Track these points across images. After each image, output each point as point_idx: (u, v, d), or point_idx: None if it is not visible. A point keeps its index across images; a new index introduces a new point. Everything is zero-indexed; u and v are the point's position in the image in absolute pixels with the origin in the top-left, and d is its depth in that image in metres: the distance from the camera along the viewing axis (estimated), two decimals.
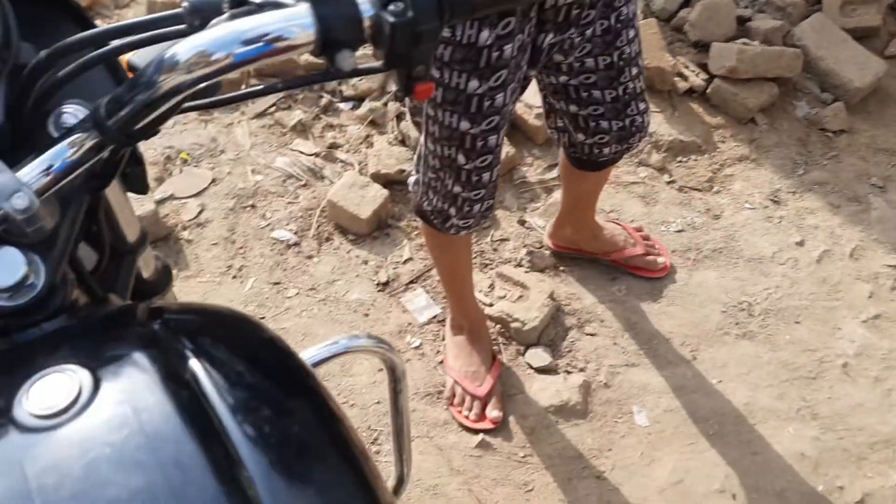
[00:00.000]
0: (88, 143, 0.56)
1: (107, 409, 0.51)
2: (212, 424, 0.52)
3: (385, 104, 2.37)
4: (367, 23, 0.53)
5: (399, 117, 2.34)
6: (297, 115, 2.35)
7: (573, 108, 1.44)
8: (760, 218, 2.12)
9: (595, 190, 1.83)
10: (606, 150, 1.53)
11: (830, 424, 1.70)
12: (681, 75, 2.35)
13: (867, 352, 1.82)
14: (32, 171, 0.55)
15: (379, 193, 2.10)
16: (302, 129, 2.35)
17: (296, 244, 2.10)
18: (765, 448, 1.67)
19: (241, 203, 2.19)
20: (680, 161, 2.26)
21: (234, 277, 2.04)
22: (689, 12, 2.42)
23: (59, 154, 0.56)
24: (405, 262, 2.05)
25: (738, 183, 2.21)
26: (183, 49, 0.52)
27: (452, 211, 1.42)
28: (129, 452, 0.49)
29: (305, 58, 2.35)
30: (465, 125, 1.26)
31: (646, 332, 1.88)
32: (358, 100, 2.43)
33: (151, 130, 0.58)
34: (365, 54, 0.70)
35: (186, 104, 0.58)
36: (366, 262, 2.05)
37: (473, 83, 1.20)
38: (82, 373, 0.53)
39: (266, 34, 0.52)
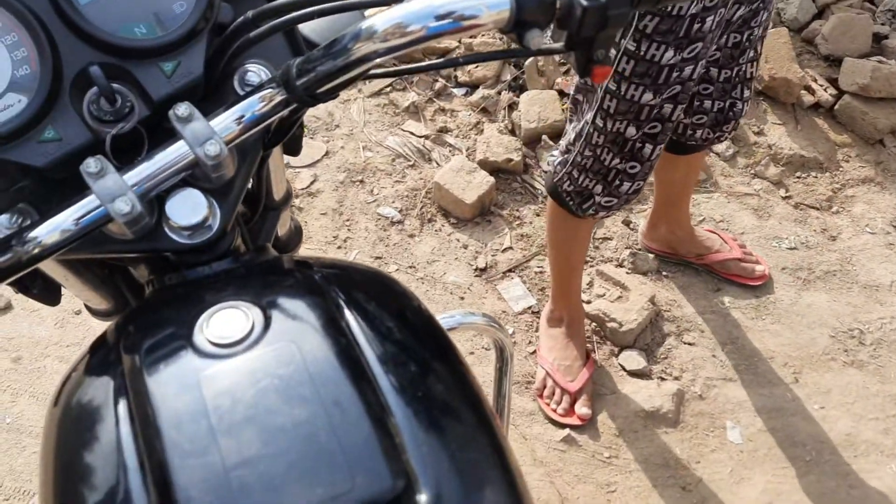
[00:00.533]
0: (276, 100, 0.60)
1: (276, 344, 0.55)
2: (364, 372, 0.55)
3: (498, 93, 2.38)
4: (558, 3, 0.54)
5: (511, 107, 2.35)
6: (411, 96, 2.39)
7: None
8: (881, 244, 2.02)
9: (685, 182, 1.80)
10: (699, 133, 1.54)
11: None
12: (808, 89, 2.26)
13: None
14: (224, 121, 0.59)
15: (485, 180, 2.12)
16: (414, 111, 2.40)
17: (399, 222, 2.14)
18: (863, 483, 1.60)
19: (351, 177, 2.25)
20: (799, 177, 2.18)
21: (339, 248, 2.11)
22: (822, 24, 2.32)
23: (249, 107, 0.60)
24: (504, 250, 2.07)
25: (859, 205, 2.11)
26: (382, 20, 0.54)
27: (599, 188, 1.41)
28: (294, 386, 0.53)
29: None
30: (647, 97, 1.26)
31: (747, 347, 1.83)
32: (471, 86, 2.45)
33: (333, 95, 0.61)
34: None
35: (371, 73, 0.61)
36: (466, 247, 2.08)
37: (669, 54, 1.20)
38: (254, 310, 0.57)
39: (459, 10, 0.54)
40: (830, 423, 1.69)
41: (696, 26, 1.18)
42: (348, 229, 2.15)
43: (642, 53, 1.21)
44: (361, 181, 2.26)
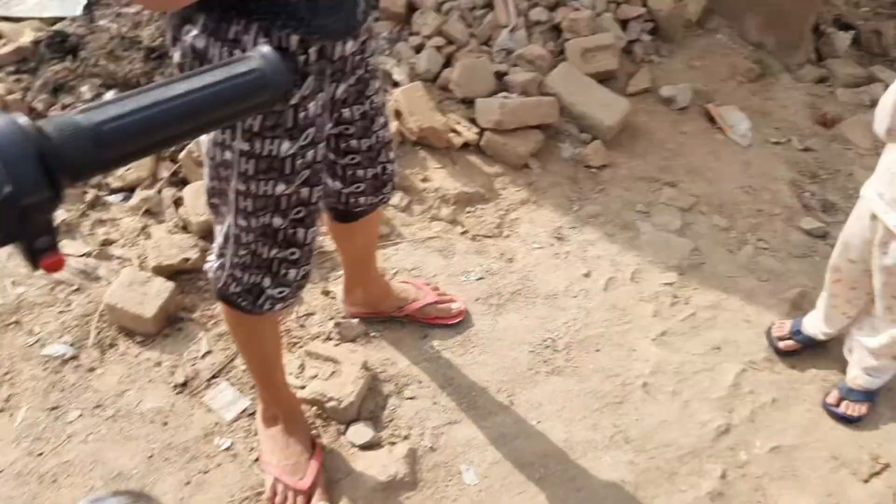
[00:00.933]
0: None
1: None
2: None
3: (159, 191, 2.22)
4: None
5: (177, 203, 2.19)
6: (58, 215, 2.12)
7: (331, 157, 1.48)
8: (549, 255, 2.24)
9: (367, 244, 1.84)
10: (363, 200, 1.59)
11: (641, 445, 1.81)
12: (455, 131, 2.44)
13: (661, 368, 1.97)
14: None
15: (164, 287, 1.94)
16: (67, 230, 2.13)
17: (73, 358, 1.87)
18: (587, 481, 1.73)
19: (1, 321, 1.92)
20: (469, 211, 2.34)
21: (1, 411, 1.77)
22: (451, 72, 2.54)
23: None
24: (204, 356, 1.90)
25: (524, 225, 2.32)
26: None
27: (267, 281, 1.35)
28: None
29: None
30: (280, 188, 1.23)
31: (464, 385, 1.89)
32: (128, 190, 2.25)
33: None
34: None
35: None
36: (158, 364, 1.87)
37: (285, 145, 1.19)
38: None
39: None
40: (548, 434, 1.80)
41: (300, 114, 1.18)
42: (10, 384, 1.81)
43: (258, 151, 1.18)
44: (17, 322, 1.94)
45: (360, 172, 1.52)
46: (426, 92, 2.42)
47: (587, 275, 2.19)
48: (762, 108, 2.79)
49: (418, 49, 2.68)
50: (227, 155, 1.21)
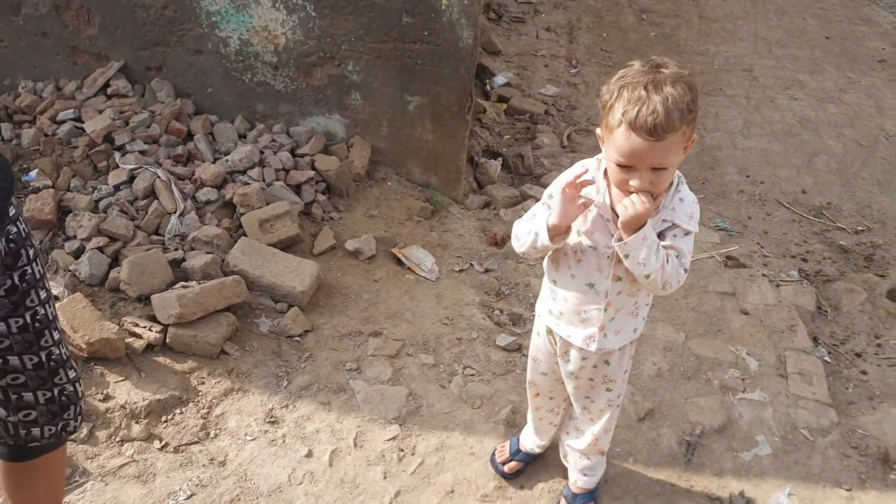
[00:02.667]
0: None
1: None
2: None
3: None
4: None
5: None
6: None
7: None
8: (265, 445, 2.08)
9: (52, 493, 1.52)
10: (37, 432, 1.36)
11: None
12: (134, 334, 2.23)
13: None
14: None
15: None
16: None
17: None
18: None
19: None
20: (166, 420, 2.11)
21: None
22: (119, 271, 2.35)
23: None
24: None
25: (232, 419, 2.15)
26: None
27: None
28: None
29: None
30: None
31: None
32: None
33: None
34: None
35: None
36: None
37: None
38: None
39: None
40: None
41: None
42: None
43: None
44: None
45: (27, 396, 1.30)
46: (90, 301, 2.19)
47: (309, 454, 2.07)
48: (442, 241, 2.99)
49: (77, 254, 2.45)
50: None
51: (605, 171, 1.54)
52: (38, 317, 1.28)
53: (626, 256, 1.48)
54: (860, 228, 3.46)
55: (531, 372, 1.93)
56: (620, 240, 1.48)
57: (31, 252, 1.27)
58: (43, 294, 1.29)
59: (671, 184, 1.52)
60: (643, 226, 1.45)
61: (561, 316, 1.71)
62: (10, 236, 1.23)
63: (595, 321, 1.65)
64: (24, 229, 1.27)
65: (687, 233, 1.53)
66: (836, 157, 4.04)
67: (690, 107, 1.39)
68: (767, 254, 3.20)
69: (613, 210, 1.53)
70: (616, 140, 1.40)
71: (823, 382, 2.53)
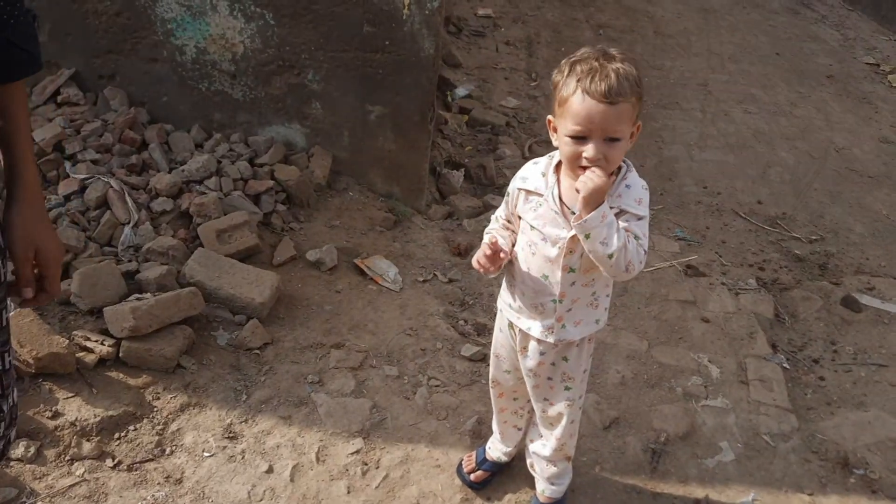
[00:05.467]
0: None
1: None
2: None
3: None
4: None
5: None
6: None
7: None
8: (224, 461, 2.01)
9: None
10: None
11: None
12: (86, 349, 2.14)
13: None
14: None
15: None
16: None
17: None
18: None
19: None
20: (119, 437, 2.02)
21: None
22: (70, 283, 2.26)
23: None
24: None
25: (188, 435, 2.07)
26: None
27: None
28: None
29: None
30: None
31: None
32: None
33: None
34: None
35: None
36: None
37: None
38: None
39: None
40: None
41: None
42: None
43: None
44: None
45: None
46: (37, 315, 2.10)
47: (269, 470, 2.00)
48: (405, 252, 2.96)
49: None
50: None
51: (556, 166, 1.60)
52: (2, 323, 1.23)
53: (587, 237, 1.49)
54: (814, 238, 3.54)
55: (494, 369, 1.92)
56: (579, 220, 1.48)
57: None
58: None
59: (618, 171, 1.54)
60: (601, 204, 1.47)
61: (521, 309, 1.72)
62: None
63: (551, 312, 1.67)
64: None
65: (639, 217, 1.55)
66: (789, 168, 4.14)
67: (638, 82, 1.47)
68: (726, 263, 3.25)
69: (563, 202, 1.57)
70: (571, 108, 1.44)
71: (783, 388, 2.56)
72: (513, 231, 1.72)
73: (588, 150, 1.45)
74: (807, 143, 4.41)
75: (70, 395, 2.05)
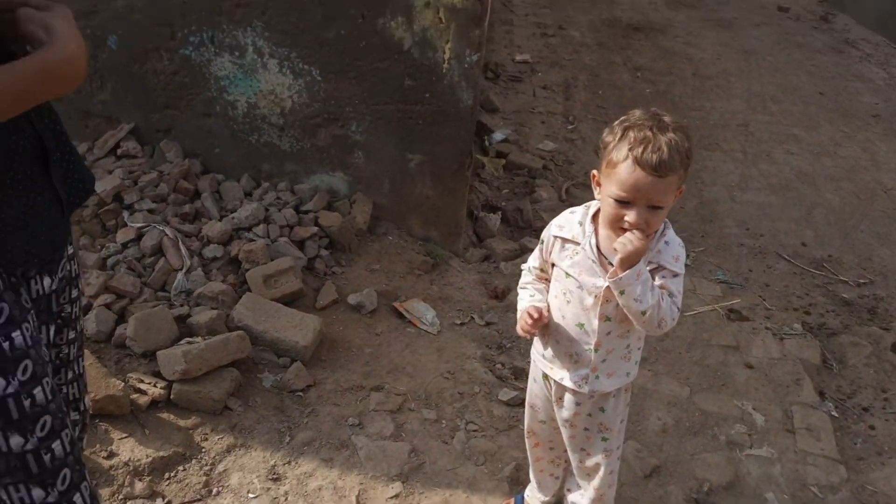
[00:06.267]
0: None
1: None
2: None
3: None
4: None
5: None
6: None
7: None
8: (267, 502, 2.07)
9: None
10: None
11: None
12: (139, 391, 2.23)
13: None
14: None
15: None
16: None
17: None
18: None
19: None
20: (169, 477, 2.10)
21: None
22: (126, 327, 2.37)
23: None
24: None
25: (234, 476, 2.13)
26: None
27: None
28: None
29: None
30: (16, 441, 1.10)
31: None
32: None
33: None
34: None
35: None
36: None
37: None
38: None
39: None
40: None
41: (5, 345, 1.07)
42: None
43: None
44: None
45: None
46: (96, 358, 2.20)
47: None
48: (442, 295, 3.02)
49: (85, 311, 2.47)
50: None
51: (593, 216, 1.63)
52: (60, 354, 1.32)
53: (622, 293, 1.53)
54: (862, 281, 3.48)
55: (529, 420, 1.94)
56: (614, 277, 1.52)
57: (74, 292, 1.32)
58: (72, 335, 1.34)
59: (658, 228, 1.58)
60: (637, 263, 1.51)
61: (554, 359, 1.74)
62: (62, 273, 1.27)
63: (586, 362, 1.69)
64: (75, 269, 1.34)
65: (675, 274, 1.59)
66: (834, 210, 4.09)
67: (688, 153, 1.50)
68: (770, 306, 3.21)
69: (600, 252, 1.60)
70: (619, 174, 1.47)
71: (831, 438, 2.51)
72: (546, 280, 1.76)
73: (631, 215, 1.49)
74: (853, 184, 4.35)
75: (124, 435, 2.14)
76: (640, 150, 1.44)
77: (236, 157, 3.15)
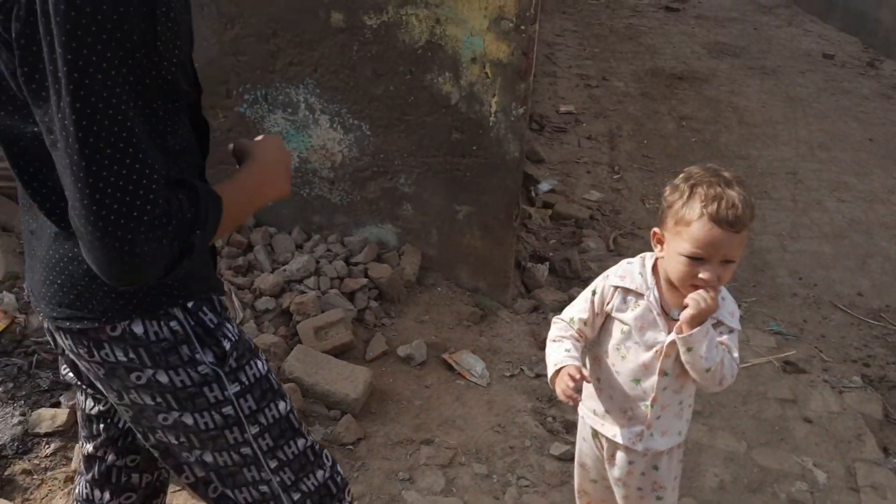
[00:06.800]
0: None
1: None
2: None
3: None
4: None
5: None
6: None
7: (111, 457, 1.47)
8: None
9: None
10: None
11: None
12: None
13: None
14: None
15: None
16: None
17: None
18: None
19: None
20: None
21: None
22: None
23: None
24: None
25: None
26: None
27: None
28: None
29: None
30: (282, 405, 1.30)
31: None
32: None
33: None
34: None
35: None
36: None
37: (259, 363, 1.28)
38: None
39: None
40: None
41: (270, 375, 1.31)
42: None
43: (248, 381, 1.25)
44: None
45: (135, 478, 1.49)
46: None
47: None
48: (491, 346, 3.01)
49: None
50: (228, 410, 1.22)
51: (653, 267, 1.61)
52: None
53: (689, 350, 1.52)
54: None
55: (579, 479, 1.90)
56: (680, 332, 1.52)
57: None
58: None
59: None
60: (706, 321, 1.51)
61: (606, 415, 1.71)
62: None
63: (642, 418, 1.66)
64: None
65: (731, 330, 1.59)
66: (891, 258, 3.98)
67: (754, 206, 1.52)
68: (827, 358, 3.12)
69: (662, 306, 1.59)
70: (693, 233, 1.47)
71: None
72: (584, 337, 1.70)
73: (707, 273, 1.48)
74: None
75: (176, 489, 2.16)
76: (714, 207, 1.45)
77: (288, 211, 3.23)
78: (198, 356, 1.18)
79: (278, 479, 1.29)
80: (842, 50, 7.51)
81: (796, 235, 4.18)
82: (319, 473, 1.36)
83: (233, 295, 2.78)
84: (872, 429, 2.69)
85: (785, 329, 3.33)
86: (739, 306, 1.64)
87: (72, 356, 1.22)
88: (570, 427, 2.62)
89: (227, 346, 1.22)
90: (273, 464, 1.28)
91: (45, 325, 1.26)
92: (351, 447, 2.44)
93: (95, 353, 1.16)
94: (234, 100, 3.04)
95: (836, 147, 5.32)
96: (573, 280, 3.59)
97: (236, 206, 1.17)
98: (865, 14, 7.67)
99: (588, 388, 1.75)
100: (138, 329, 1.14)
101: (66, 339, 1.17)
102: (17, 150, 1.06)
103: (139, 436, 1.28)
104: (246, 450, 1.25)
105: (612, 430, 1.70)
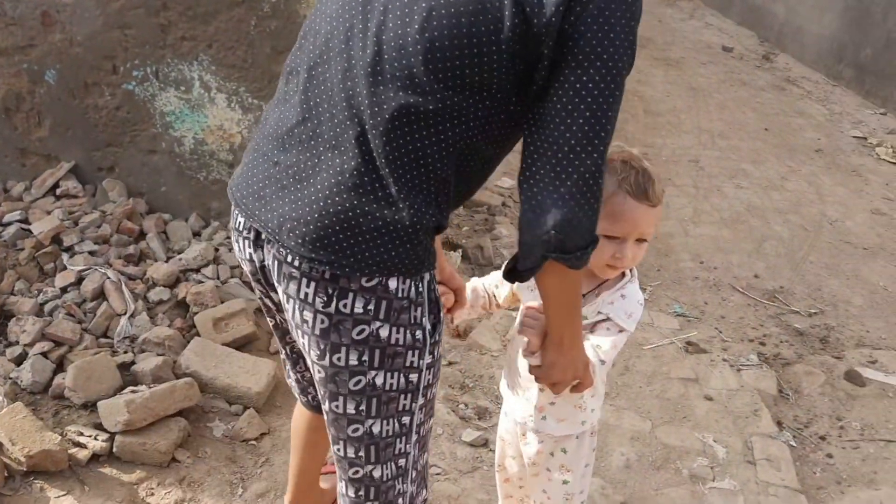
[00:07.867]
0: None
1: None
2: None
3: None
4: None
5: None
6: None
7: None
8: None
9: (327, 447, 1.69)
10: None
11: None
12: (79, 444, 2.10)
13: None
14: None
15: None
16: None
17: None
18: None
19: None
20: None
21: None
22: (64, 376, 2.24)
23: None
24: None
25: None
26: None
27: (424, 493, 1.48)
28: None
29: None
30: (436, 386, 1.36)
31: None
32: None
33: None
34: None
35: None
36: None
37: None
38: None
39: None
40: None
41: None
42: None
43: (438, 354, 1.31)
44: None
45: None
46: (30, 411, 2.07)
47: None
48: None
49: (20, 360, 2.33)
50: (414, 377, 1.27)
51: None
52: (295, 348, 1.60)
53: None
54: (813, 311, 3.53)
55: (499, 454, 1.88)
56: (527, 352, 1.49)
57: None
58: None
59: (621, 277, 1.54)
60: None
61: (509, 392, 1.71)
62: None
63: (533, 399, 1.64)
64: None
65: (621, 330, 1.51)
66: (783, 242, 4.17)
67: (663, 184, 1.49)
68: (726, 338, 3.23)
69: None
70: (609, 209, 1.39)
71: (791, 468, 2.50)
72: (491, 307, 1.74)
73: (624, 252, 1.43)
74: (800, 217, 4.46)
75: (61, 493, 2.00)
76: (631, 180, 1.39)
77: (184, 196, 3.06)
78: (423, 321, 1.25)
79: (413, 453, 1.37)
80: (740, 43, 7.83)
81: (698, 220, 4.31)
82: (426, 455, 1.43)
83: (123, 286, 2.60)
84: (767, 404, 2.80)
85: (687, 311, 3.42)
86: (644, 290, 1.63)
87: (295, 302, 1.22)
88: (483, 413, 2.60)
89: (441, 318, 1.30)
90: (414, 437, 1.35)
91: (266, 263, 1.26)
92: (254, 443, 2.33)
93: (334, 302, 1.18)
94: (121, 76, 2.84)
95: (735, 136, 5.53)
96: (486, 267, 3.57)
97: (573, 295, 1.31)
98: (761, 9, 8.02)
99: (506, 363, 1.74)
100: (392, 284, 1.19)
101: (306, 284, 1.19)
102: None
103: (319, 395, 1.33)
104: (406, 419, 1.31)
105: (512, 406, 1.69)
